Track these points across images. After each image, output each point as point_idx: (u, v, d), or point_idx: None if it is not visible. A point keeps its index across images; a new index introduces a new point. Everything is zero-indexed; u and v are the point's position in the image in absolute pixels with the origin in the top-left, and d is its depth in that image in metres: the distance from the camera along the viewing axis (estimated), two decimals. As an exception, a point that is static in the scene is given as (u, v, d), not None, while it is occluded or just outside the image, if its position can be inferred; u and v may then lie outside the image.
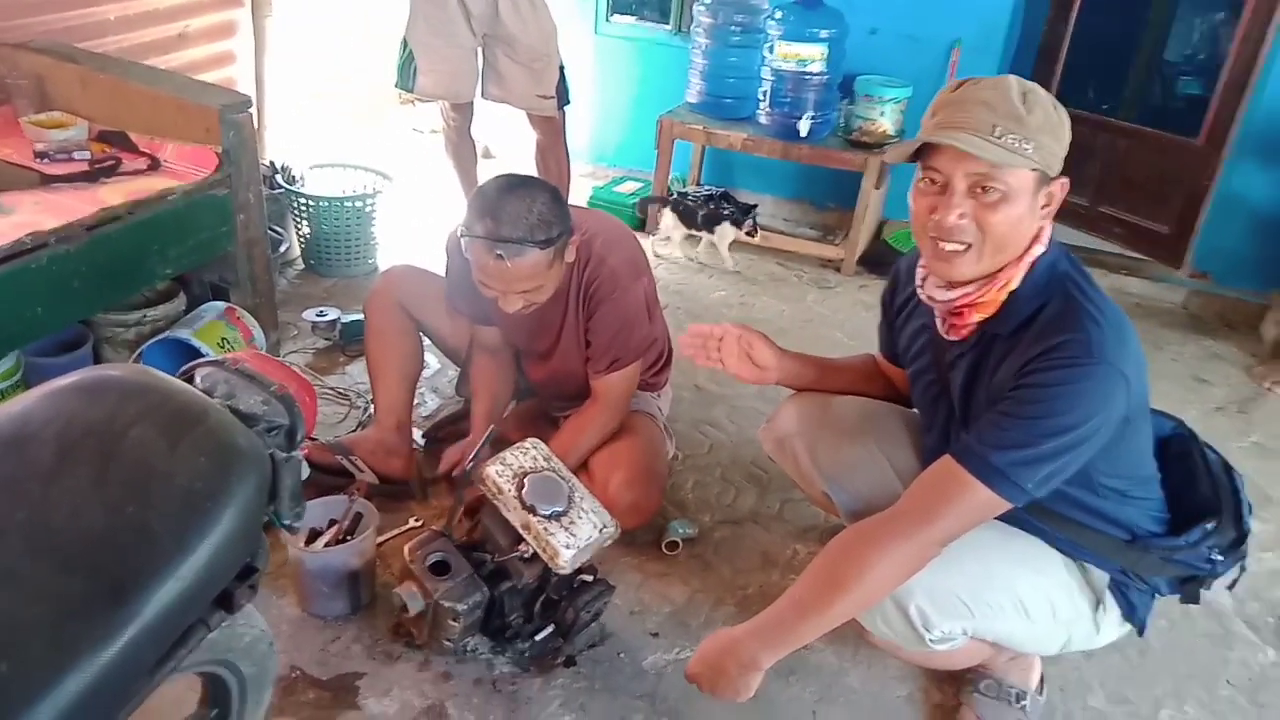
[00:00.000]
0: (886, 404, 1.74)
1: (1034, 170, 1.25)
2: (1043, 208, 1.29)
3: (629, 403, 2.01)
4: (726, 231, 3.46)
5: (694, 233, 3.51)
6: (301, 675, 1.65)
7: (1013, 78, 1.27)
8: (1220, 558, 1.47)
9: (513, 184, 1.71)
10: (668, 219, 3.53)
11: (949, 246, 1.30)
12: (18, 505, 0.91)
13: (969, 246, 1.29)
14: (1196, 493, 1.52)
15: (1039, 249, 1.32)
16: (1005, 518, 1.36)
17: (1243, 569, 1.54)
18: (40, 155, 2.11)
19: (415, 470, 2.11)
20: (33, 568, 0.88)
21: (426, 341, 2.17)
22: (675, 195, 3.57)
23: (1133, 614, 1.53)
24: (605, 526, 1.59)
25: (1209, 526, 1.46)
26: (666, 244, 3.59)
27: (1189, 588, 1.51)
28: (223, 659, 1.22)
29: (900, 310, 1.62)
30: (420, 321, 2.11)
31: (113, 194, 2.03)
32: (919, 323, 1.54)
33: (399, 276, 2.12)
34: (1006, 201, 1.26)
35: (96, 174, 2.09)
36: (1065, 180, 1.30)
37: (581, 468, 1.94)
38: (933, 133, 1.27)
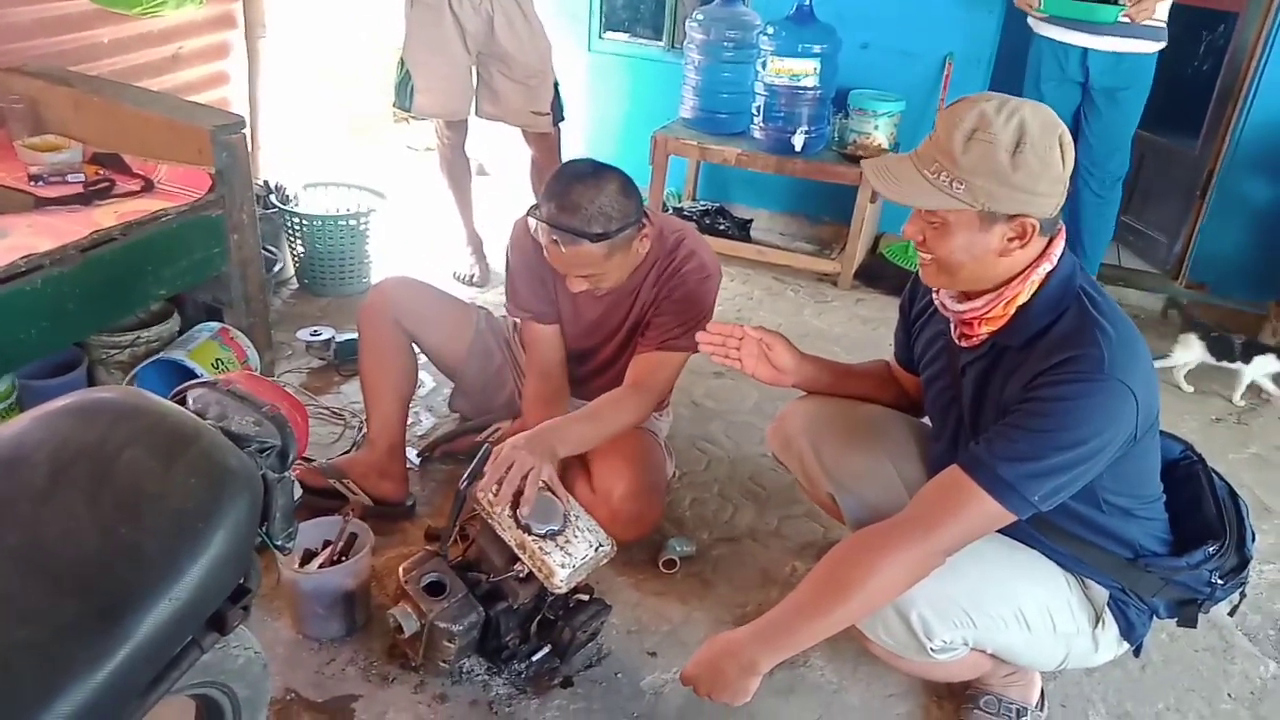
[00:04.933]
0: (895, 412, 1.74)
1: (973, 209, 1.26)
2: (1011, 240, 1.29)
3: (664, 396, 1.97)
4: (1269, 363, 2.86)
5: (1226, 365, 2.92)
6: (297, 698, 1.64)
7: (984, 108, 1.25)
8: (1220, 582, 1.47)
9: (585, 172, 1.73)
10: (1192, 346, 2.93)
11: (921, 256, 1.38)
12: (11, 527, 0.91)
13: (932, 259, 1.36)
14: (1201, 516, 1.52)
15: (1046, 266, 1.32)
16: (1008, 530, 1.36)
17: (1243, 595, 1.54)
18: (34, 178, 2.11)
19: (408, 491, 2.10)
20: (25, 589, 0.88)
21: (422, 358, 2.16)
22: (1205, 323, 3.03)
23: (1131, 633, 1.52)
24: (601, 545, 1.59)
25: (1211, 549, 1.46)
26: (1182, 369, 2.99)
27: (1187, 610, 1.51)
28: (217, 681, 1.21)
29: (918, 317, 1.64)
30: (414, 335, 2.08)
31: (106, 216, 2.03)
32: (936, 329, 1.55)
33: (393, 289, 2.08)
34: (947, 231, 1.31)
35: (90, 196, 2.09)
36: (1031, 219, 1.27)
37: (583, 479, 1.93)
38: (876, 171, 1.34)
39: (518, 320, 2.09)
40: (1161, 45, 3.01)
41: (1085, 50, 3.03)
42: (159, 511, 0.97)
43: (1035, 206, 1.27)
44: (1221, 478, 1.60)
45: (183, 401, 1.14)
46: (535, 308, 1.98)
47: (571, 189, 1.68)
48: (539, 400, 1.99)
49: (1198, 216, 3.51)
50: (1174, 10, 2.97)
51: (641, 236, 1.80)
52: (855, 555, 1.35)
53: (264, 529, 1.10)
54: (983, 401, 1.42)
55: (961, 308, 1.39)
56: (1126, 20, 2.88)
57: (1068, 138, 1.28)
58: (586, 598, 1.67)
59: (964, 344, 1.44)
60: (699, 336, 1.67)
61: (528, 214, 1.77)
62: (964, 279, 1.36)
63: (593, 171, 1.73)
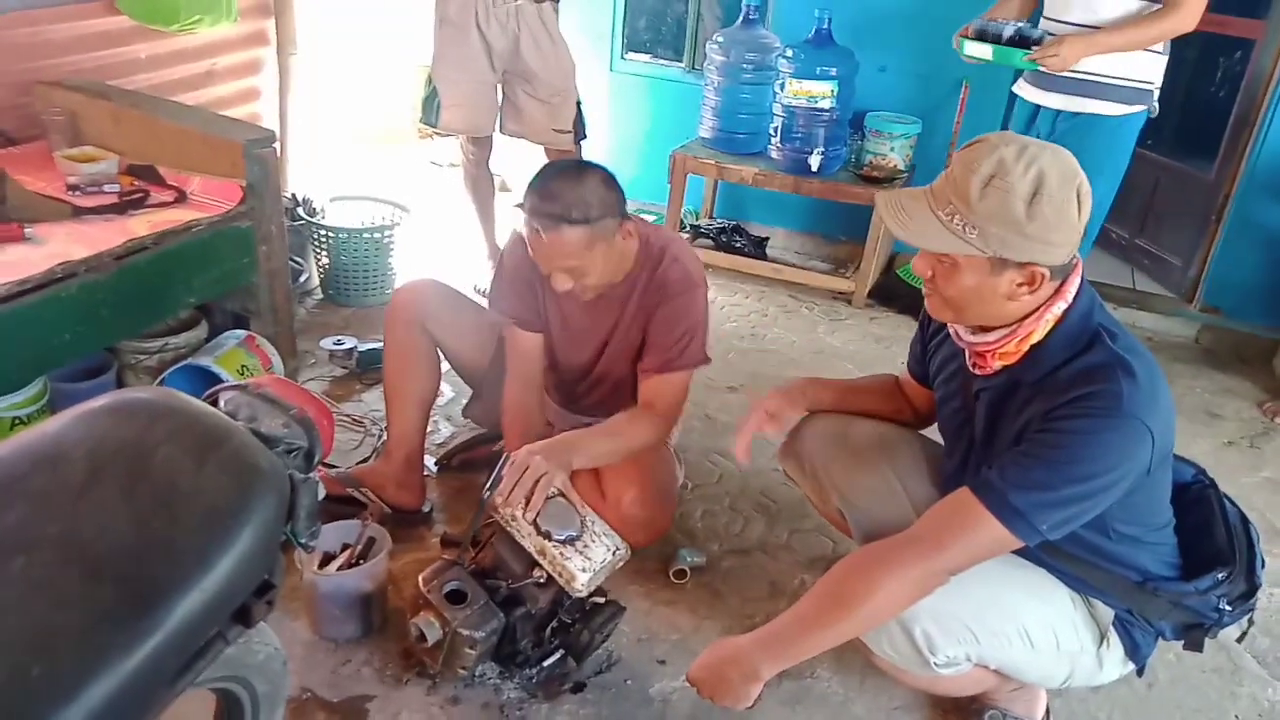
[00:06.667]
0: (905, 430, 1.76)
1: (984, 255, 1.28)
2: (1019, 286, 1.31)
3: (677, 418, 1.98)
4: None
5: None
6: (312, 697, 1.68)
7: (1004, 154, 1.26)
8: (1229, 608, 1.47)
9: (568, 166, 1.82)
10: None
11: (927, 289, 1.40)
12: (51, 519, 0.95)
13: (938, 295, 1.38)
14: (1211, 541, 1.52)
15: (1061, 304, 1.34)
16: (1014, 550, 1.37)
17: (1251, 622, 1.54)
18: (72, 188, 2.18)
19: (425, 499, 2.14)
20: (64, 577, 0.91)
21: (444, 366, 2.18)
22: None
23: (1135, 653, 1.53)
24: (617, 549, 1.62)
25: (1220, 575, 1.46)
26: None
27: (1193, 635, 1.51)
28: (238, 675, 1.25)
29: (934, 335, 1.66)
30: (439, 339, 2.10)
31: (140, 225, 2.10)
32: (951, 350, 1.57)
33: (421, 291, 2.09)
34: (956, 270, 1.32)
35: (125, 206, 2.16)
36: (1041, 268, 1.28)
37: (594, 485, 1.94)
38: (890, 207, 1.36)
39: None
40: (1135, 109, 2.49)
41: (1037, 107, 2.65)
42: (191, 507, 1.01)
43: (1047, 255, 1.28)
44: (1233, 502, 1.60)
45: (215, 403, 1.19)
46: (519, 313, 1.99)
47: (553, 180, 1.75)
48: (515, 407, 2.00)
49: (1213, 241, 3.52)
50: (1191, 37, 2.92)
51: (624, 234, 1.82)
52: (860, 570, 1.37)
53: (289, 526, 1.14)
54: (996, 427, 1.43)
55: (974, 340, 1.41)
56: (1040, 68, 2.46)
57: (1086, 187, 1.28)
58: (602, 600, 1.70)
59: (977, 371, 1.46)
60: (738, 453, 1.73)
61: (514, 205, 1.84)
62: (970, 317, 1.38)
63: (575, 166, 1.82)
